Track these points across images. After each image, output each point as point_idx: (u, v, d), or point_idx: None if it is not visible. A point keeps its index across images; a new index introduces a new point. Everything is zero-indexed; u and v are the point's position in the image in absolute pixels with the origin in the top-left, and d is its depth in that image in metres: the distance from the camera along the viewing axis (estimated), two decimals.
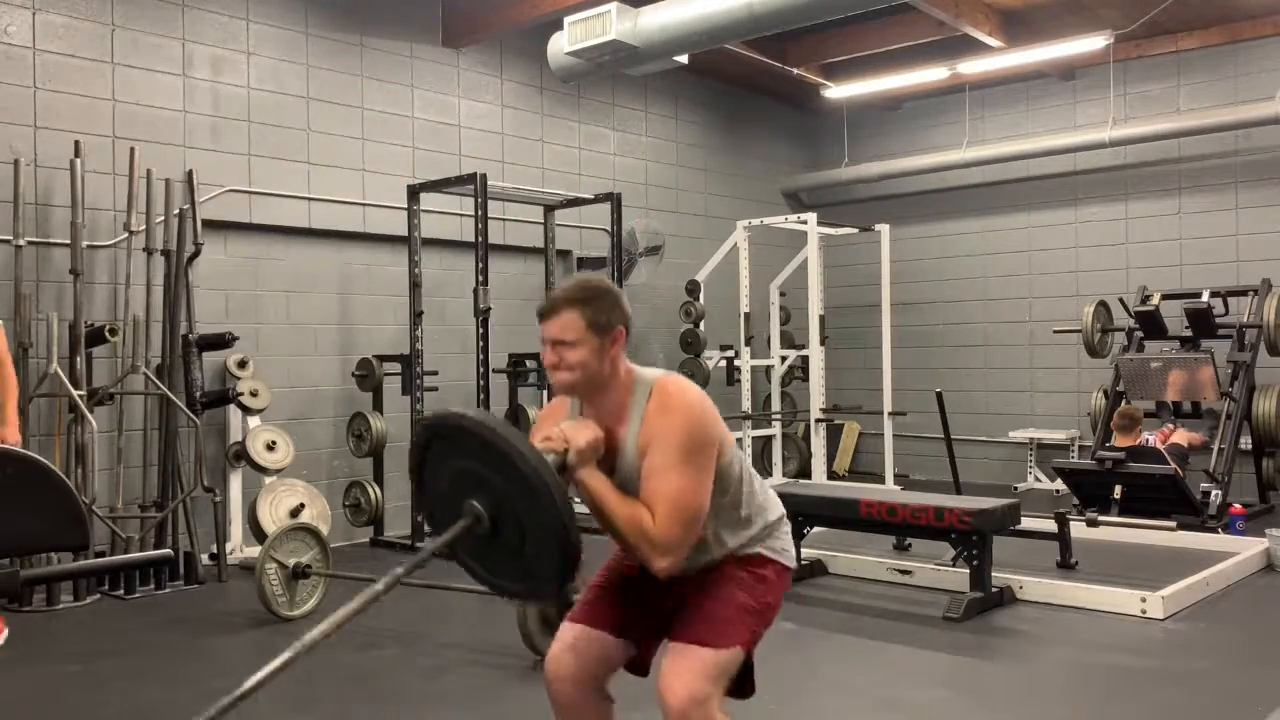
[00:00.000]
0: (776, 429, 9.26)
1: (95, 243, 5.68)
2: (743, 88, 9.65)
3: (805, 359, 8.78)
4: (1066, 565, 5.36)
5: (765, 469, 9.29)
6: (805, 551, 5.48)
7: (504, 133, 7.74)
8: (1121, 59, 8.41)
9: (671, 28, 6.22)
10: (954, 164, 9.15)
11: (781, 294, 9.27)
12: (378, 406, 6.63)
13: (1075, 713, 3.61)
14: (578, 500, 2.05)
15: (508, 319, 7.21)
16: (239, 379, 6.10)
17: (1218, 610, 4.83)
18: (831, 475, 9.32)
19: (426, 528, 6.51)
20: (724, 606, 2.20)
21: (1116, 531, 5.97)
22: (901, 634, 4.51)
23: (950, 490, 6.23)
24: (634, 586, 2.33)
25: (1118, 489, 6.37)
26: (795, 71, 8.74)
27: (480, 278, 6.14)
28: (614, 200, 7.16)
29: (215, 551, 5.68)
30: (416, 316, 6.52)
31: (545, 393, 7.47)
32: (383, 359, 6.64)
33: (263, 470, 6.00)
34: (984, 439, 9.28)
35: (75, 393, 5.25)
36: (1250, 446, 7.40)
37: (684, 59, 6.82)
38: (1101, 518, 5.92)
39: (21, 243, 5.28)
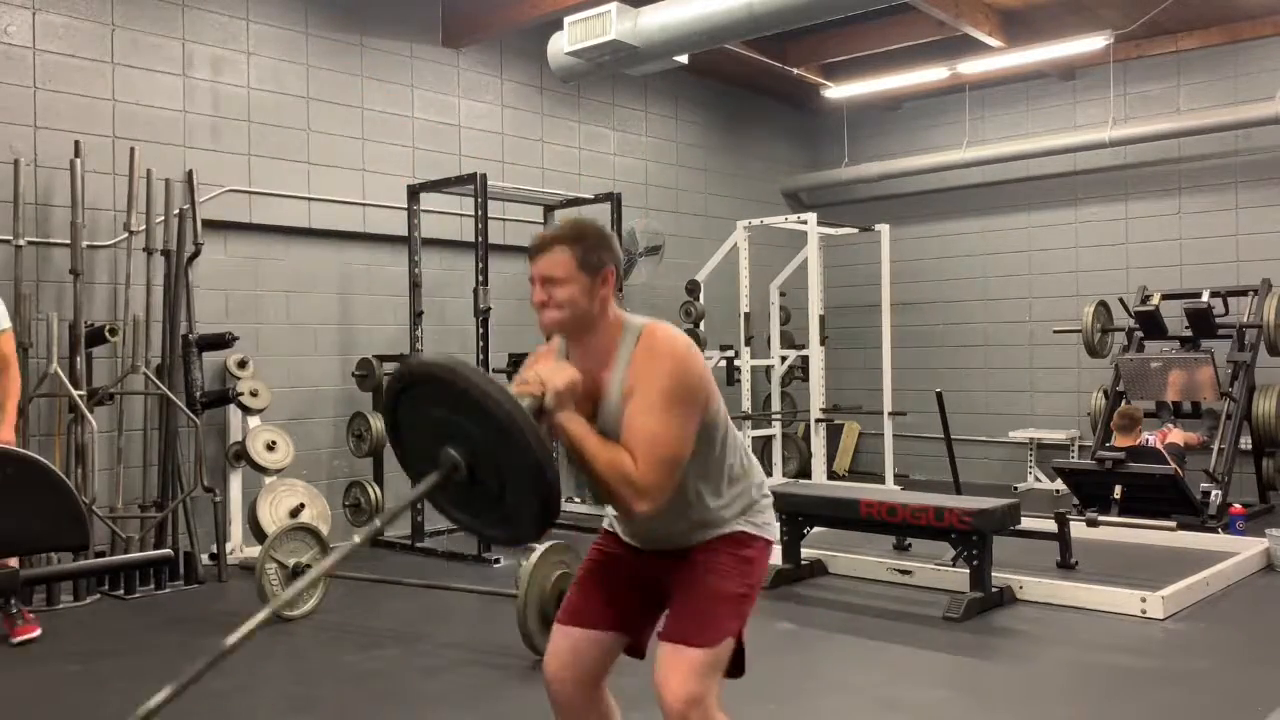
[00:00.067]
0: (776, 429, 9.26)
1: (95, 243, 5.68)
2: (743, 88, 9.65)
3: (805, 359, 8.78)
4: (1066, 565, 5.36)
5: (765, 469, 9.27)
6: (805, 551, 5.48)
7: (504, 133, 7.74)
8: (1121, 59, 8.42)
9: (671, 28, 6.22)
10: (954, 164, 9.15)
11: (781, 294, 9.27)
12: (378, 406, 6.63)
13: (1075, 713, 3.61)
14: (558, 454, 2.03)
15: (508, 319, 7.21)
16: (239, 379, 6.10)
17: (1218, 610, 4.83)
18: (831, 475, 9.32)
19: (423, 520, 6.53)
20: (712, 601, 2.19)
21: (1116, 531, 5.97)
22: (901, 634, 4.51)
23: (950, 490, 6.23)
24: (617, 574, 2.32)
25: (1118, 489, 6.37)
26: (795, 71, 8.74)
27: (480, 278, 6.14)
28: (614, 200, 7.16)
29: (215, 551, 5.68)
30: (416, 316, 6.52)
31: None
32: (383, 359, 6.64)
33: (263, 470, 6.00)
34: (984, 439, 9.28)
35: (75, 393, 5.25)
36: (1250, 446, 7.40)
37: (684, 59, 6.82)
38: (1101, 518, 5.92)
39: (21, 243, 5.28)
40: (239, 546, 6.04)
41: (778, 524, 2.37)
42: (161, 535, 5.63)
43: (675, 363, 2.11)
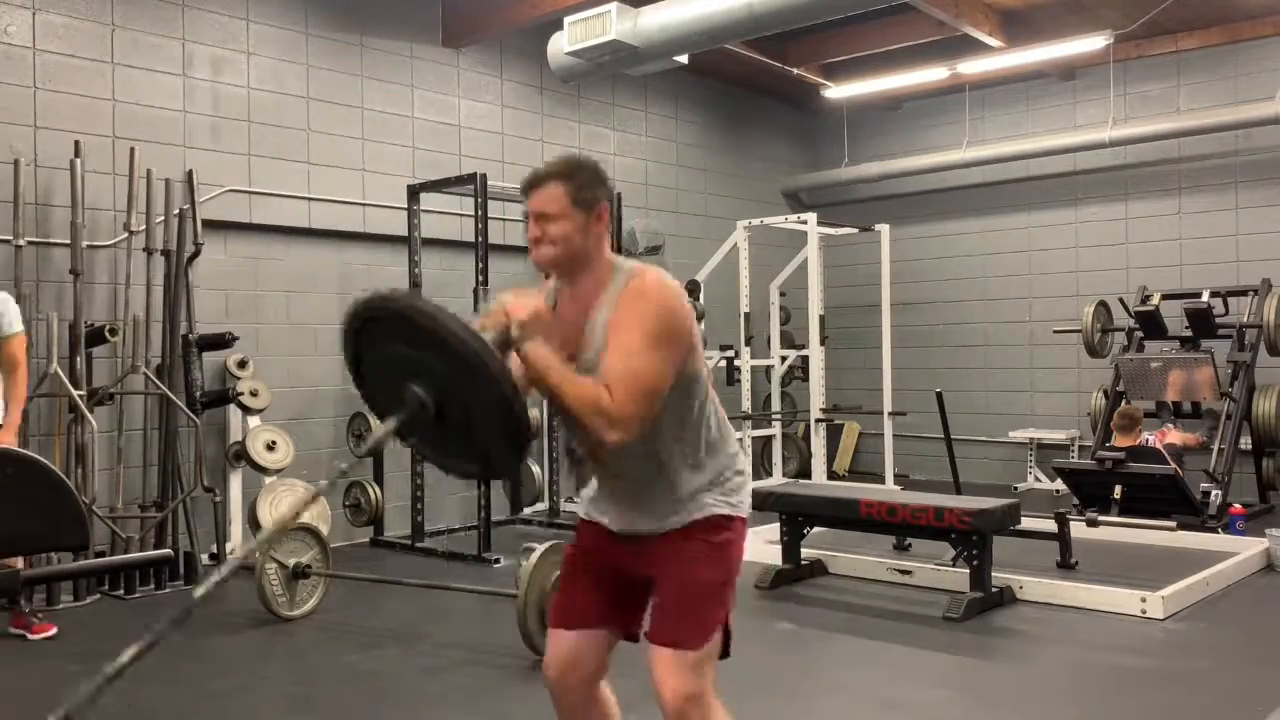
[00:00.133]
0: (776, 429, 9.26)
1: (95, 243, 5.68)
2: (743, 88, 9.65)
3: (805, 359, 8.78)
4: (1066, 565, 5.36)
5: (765, 469, 9.30)
6: (805, 551, 5.48)
7: (504, 133, 7.74)
8: (1121, 59, 8.42)
9: (671, 28, 6.22)
10: (954, 164, 9.15)
11: (781, 294, 9.28)
12: None
13: (1075, 713, 3.61)
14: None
15: None
16: (239, 379, 6.10)
17: (1218, 610, 4.84)
18: (831, 475, 9.32)
19: (422, 520, 6.54)
20: (696, 596, 2.16)
21: (1116, 531, 5.97)
22: (901, 634, 4.51)
23: (950, 490, 6.23)
24: (599, 568, 2.29)
25: (1118, 489, 6.37)
26: (795, 71, 8.74)
27: (480, 278, 6.14)
28: (614, 200, 7.15)
29: (215, 551, 5.68)
30: None
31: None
32: None
33: (263, 470, 6.00)
34: (984, 439, 9.28)
35: (75, 393, 5.25)
36: (1250, 446, 7.40)
37: (684, 59, 6.83)
38: (1101, 518, 5.92)
39: (21, 243, 5.28)
40: (239, 546, 6.04)
41: (750, 496, 2.32)
42: (161, 535, 5.63)
43: (663, 304, 2.09)
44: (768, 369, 9.28)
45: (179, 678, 3.97)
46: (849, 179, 9.94)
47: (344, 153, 6.80)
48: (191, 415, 5.67)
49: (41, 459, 2.50)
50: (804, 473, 8.90)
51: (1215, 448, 7.01)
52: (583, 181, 2.16)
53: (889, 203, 9.73)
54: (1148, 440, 6.96)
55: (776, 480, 8.94)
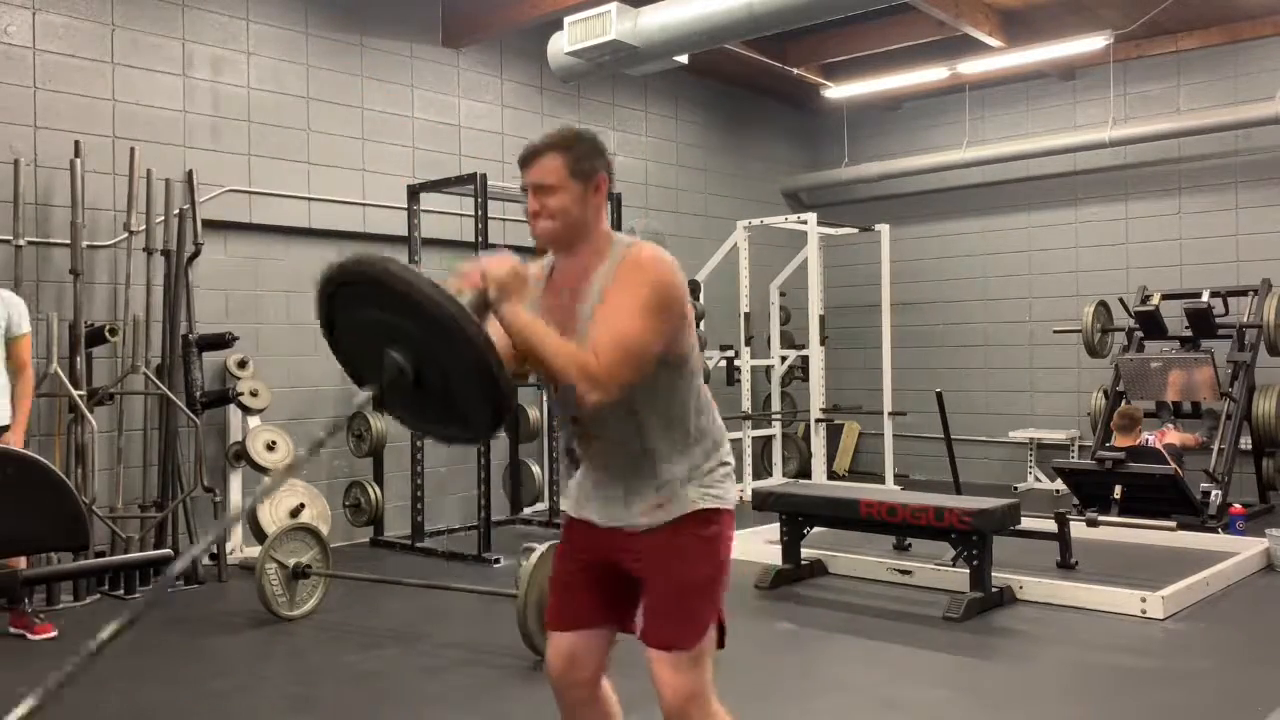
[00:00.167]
0: (776, 429, 9.26)
1: (95, 243, 5.68)
2: (743, 88, 9.65)
3: (805, 359, 8.78)
4: (1066, 565, 5.36)
5: (765, 469, 9.30)
6: (805, 551, 5.48)
7: (504, 133, 7.74)
8: (1121, 59, 8.42)
9: (671, 28, 6.22)
10: (954, 164, 9.15)
11: (781, 294, 9.28)
12: (378, 406, 6.61)
13: (1075, 713, 3.61)
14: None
15: None
16: (239, 379, 6.10)
17: (1218, 610, 4.84)
18: (831, 475, 9.32)
19: (423, 520, 6.54)
20: (686, 596, 2.14)
21: (1116, 531, 5.97)
22: (901, 634, 4.51)
23: (950, 490, 6.23)
24: (588, 565, 2.27)
25: (1118, 489, 6.37)
26: (795, 71, 8.74)
27: None
28: (614, 200, 7.16)
29: (215, 551, 5.68)
30: None
31: (545, 393, 7.46)
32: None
33: (263, 470, 5.99)
34: (984, 439, 9.28)
35: (75, 393, 5.25)
36: (1250, 446, 7.40)
37: (684, 59, 6.83)
38: (1101, 518, 5.92)
39: (21, 243, 5.28)
40: (239, 546, 6.04)
41: (735, 488, 2.29)
42: (161, 535, 5.63)
43: (659, 275, 2.07)
44: (768, 369, 9.28)
45: (179, 678, 3.97)
46: (849, 179, 9.94)
47: (344, 153, 6.80)
48: (191, 415, 5.67)
49: (41, 459, 2.50)
50: (804, 473, 8.90)
51: (1215, 448, 7.01)
52: (581, 152, 2.14)
53: (889, 203, 9.73)
54: (1147, 440, 6.96)
55: (776, 480, 8.94)
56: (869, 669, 4.07)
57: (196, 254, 5.90)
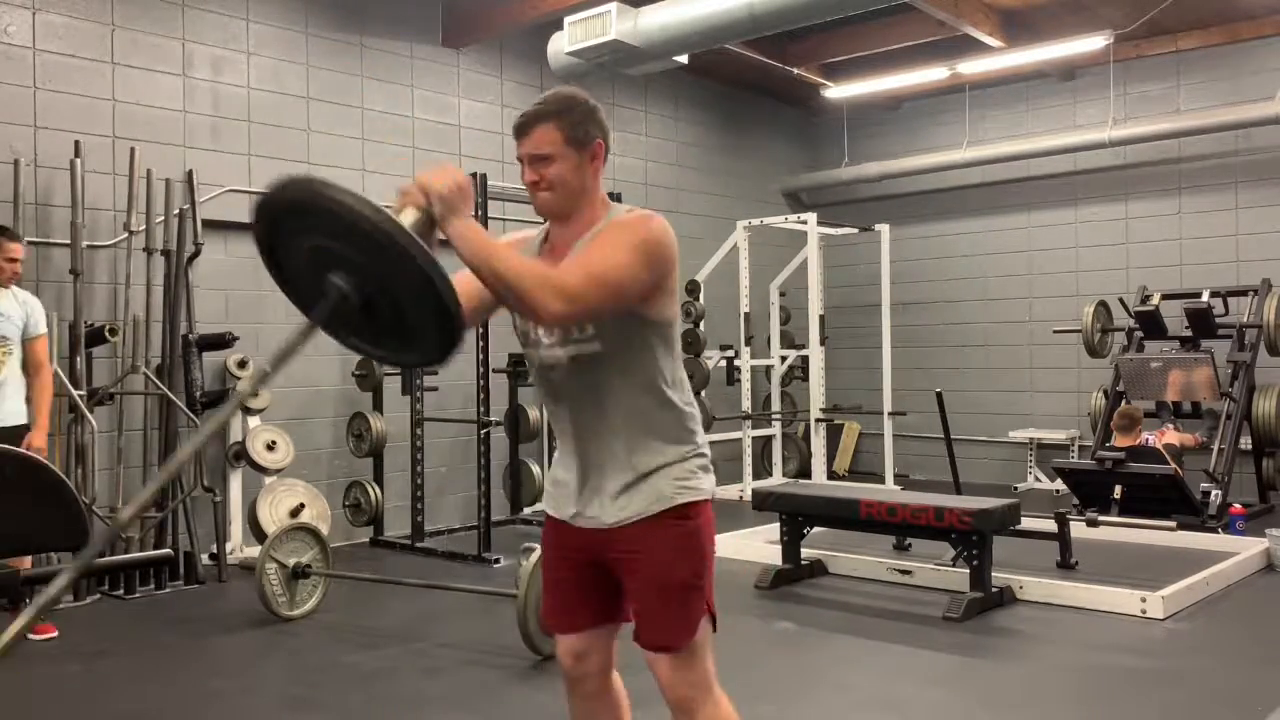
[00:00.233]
0: (776, 429, 9.26)
1: (95, 243, 5.68)
2: (743, 88, 9.65)
3: (805, 359, 8.78)
4: (1066, 565, 5.36)
5: (765, 469, 9.30)
6: (805, 551, 5.47)
7: (504, 133, 7.73)
8: (1121, 59, 8.41)
9: (671, 28, 6.22)
10: (954, 164, 9.15)
11: (781, 294, 9.28)
12: (378, 406, 6.63)
13: (1075, 713, 3.61)
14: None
15: (507, 319, 7.18)
16: (239, 379, 6.10)
17: (1218, 610, 4.84)
18: (831, 475, 9.32)
19: (423, 520, 6.54)
20: (673, 595, 2.11)
21: (1116, 531, 5.97)
22: (901, 634, 4.51)
23: (950, 490, 6.23)
24: (576, 566, 2.25)
25: (1118, 489, 6.37)
26: (795, 71, 8.74)
27: None
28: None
29: (215, 551, 5.68)
30: None
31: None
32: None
33: (263, 470, 6.00)
34: (984, 439, 9.28)
35: (75, 393, 5.25)
36: (1250, 446, 7.40)
37: (684, 59, 6.82)
38: (1101, 518, 5.92)
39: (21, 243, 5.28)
40: (239, 546, 6.03)
41: (713, 473, 2.25)
42: (161, 535, 5.63)
43: (649, 230, 2.03)
44: (768, 369, 9.28)
45: (179, 678, 3.97)
46: (849, 179, 9.94)
47: (344, 153, 6.80)
48: (191, 415, 5.67)
49: (42, 459, 2.50)
50: (804, 473, 8.90)
51: (1215, 448, 7.01)
52: (576, 119, 2.10)
53: (889, 203, 9.73)
54: (1147, 440, 6.96)
55: (776, 480, 8.94)
56: (869, 669, 4.07)
57: (196, 254, 5.90)
